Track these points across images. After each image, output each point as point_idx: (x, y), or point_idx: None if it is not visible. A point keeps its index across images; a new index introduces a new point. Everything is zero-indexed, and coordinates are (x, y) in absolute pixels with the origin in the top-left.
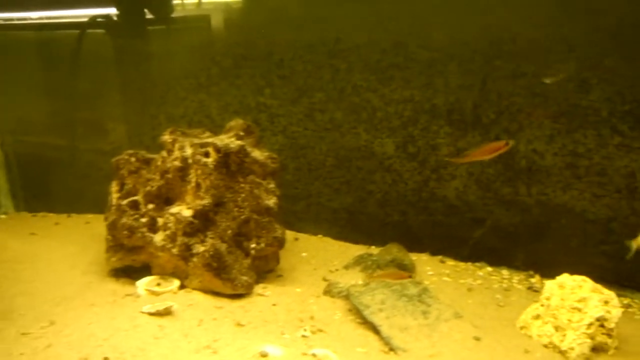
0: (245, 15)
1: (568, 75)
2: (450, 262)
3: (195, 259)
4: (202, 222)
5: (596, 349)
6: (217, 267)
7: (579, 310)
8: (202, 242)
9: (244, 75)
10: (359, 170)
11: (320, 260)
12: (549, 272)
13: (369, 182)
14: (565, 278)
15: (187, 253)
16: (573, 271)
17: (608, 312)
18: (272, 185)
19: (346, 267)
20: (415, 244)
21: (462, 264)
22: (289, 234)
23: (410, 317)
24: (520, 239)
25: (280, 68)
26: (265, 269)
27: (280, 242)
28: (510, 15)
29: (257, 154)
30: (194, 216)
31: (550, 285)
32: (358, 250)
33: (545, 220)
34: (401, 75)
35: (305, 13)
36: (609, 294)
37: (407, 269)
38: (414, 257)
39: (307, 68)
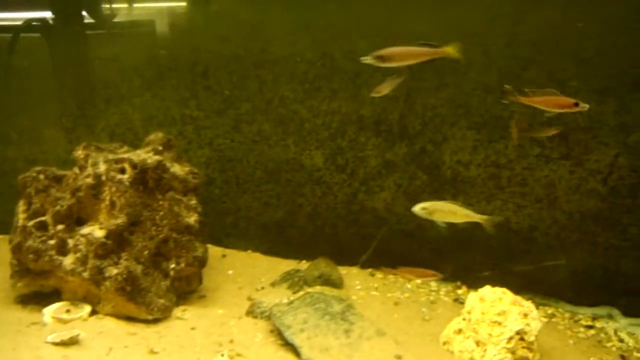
0: (170, 25)
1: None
2: (380, 275)
3: (107, 283)
4: (116, 242)
5: None
6: (131, 290)
7: (499, 323)
8: (116, 264)
9: (168, 86)
10: (288, 183)
11: (247, 278)
12: (476, 282)
13: (298, 195)
14: (486, 291)
15: (99, 277)
16: (499, 281)
17: (528, 325)
18: (193, 202)
19: (273, 285)
20: (346, 257)
21: (391, 277)
22: (217, 251)
23: (332, 337)
24: (447, 250)
25: (206, 79)
26: (187, 289)
27: (202, 262)
28: (432, 27)
29: (177, 169)
30: (107, 237)
31: (471, 298)
32: (288, 265)
33: (471, 230)
34: (328, 87)
35: (230, 23)
36: (529, 306)
37: (334, 285)
38: (344, 270)
39: (232, 79)
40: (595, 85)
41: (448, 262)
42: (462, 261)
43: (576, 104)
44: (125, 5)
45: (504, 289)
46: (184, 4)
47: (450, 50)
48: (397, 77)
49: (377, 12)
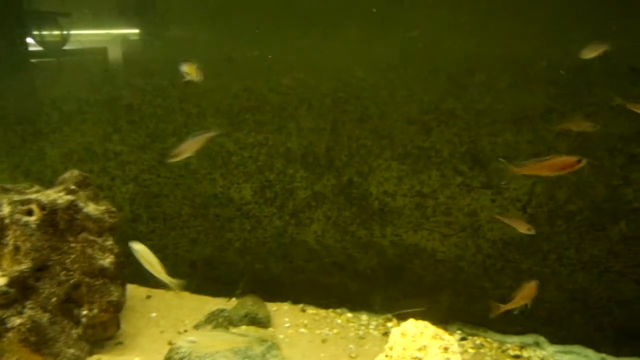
0: (90, 59)
1: None
2: (311, 310)
3: (10, 334)
4: (20, 290)
5: None
6: (37, 341)
7: (420, 359)
8: (20, 313)
9: (89, 120)
10: (216, 218)
11: (170, 320)
12: (406, 314)
13: (227, 230)
14: (408, 325)
15: (1, 328)
16: (427, 312)
17: (448, 359)
18: (109, 242)
19: (197, 327)
20: (277, 293)
21: (322, 312)
22: (142, 292)
23: None
24: (377, 281)
25: (129, 113)
26: (103, 336)
27: (118, 306)
28: (355, 60)
29: (92, 208)
30: (9, 284)
31: (394, 333)
32: (217, 304)
33: (399, 261)
34: (254, 119)
35: (153, 56)
36: (449, 340)
37: (261, 324)
38: (275, 307)
39: (157, 112)
40: (510, 116)
41: (378, 294)
42: (393, 293)
43: (579, 161)
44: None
45: (426, 323)
46: (106, 38)
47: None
48: (205, 133)
49: (301, 46)
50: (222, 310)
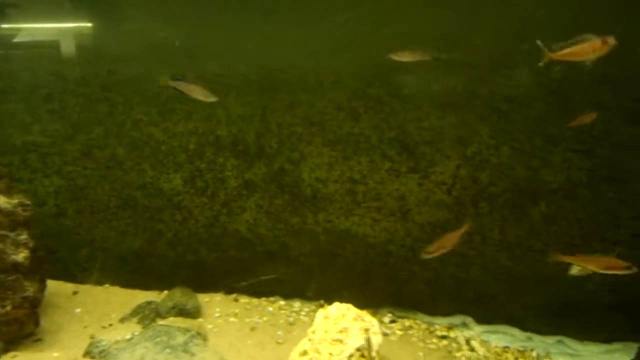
0: (6, 47)
1: None
2: (244, 300)
3: None
4: None
5: None
6: None
7: (341, 341)
8: None
9: (5, 111)
10: (146, 209)
11: (96, 315)
12: (339, 299)
13: (157, 221)
14: (332, 308)
15: None
16: (359, 296)
17: (368, 340)
18: (23, 237)
19: (122, 321)
20: (210, 284)
21: (255, 300)
22: (68, 288)
23: None
24: (310, 268)
25: (50, 102)
26: (20, 334)
27: (34, 302)
28: (282, 46)
29: (3, 201)
30: None
31: (318, 317)
32: (147, 297)
33: (332, 247)
34: (182, 108)
35: (74, 44)
36: (371, 321)
37: (190, 315)
38: (207, 298)
39: (80, 102)
40: (436, 100)
41: (312, 281)
42: (326, 279)
43: (604, 42)
44: None
45: (349, 305)
46: (24, 25)
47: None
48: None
49: (229, 32)
50: (150, 303)
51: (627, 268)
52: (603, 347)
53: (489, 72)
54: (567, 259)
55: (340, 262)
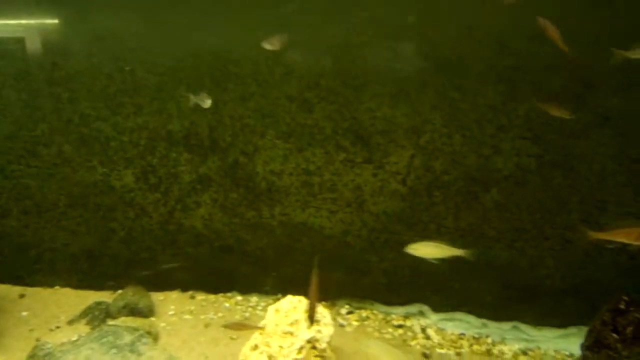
0: None
1: None
2: (201, 297)
3: None
4: None
5: None
6: None
7: (291, 334)
8: None
9: None
10: (97, 207)
11: (43, 318)
12: (297, 292)
13: (110, 219)
14: (284, 301)
15: None
16: (320, 290)
17: (319, 331)
18: None
19: (70, 323)
20: (166, 281)
21: (212, 297)
22: (14, 291)
23: None
24: (267, 262)
25: None
26: None
27: None
28: (233, 37)
29: None
30: None
31: (269, 310)
32: (100, 298)
33: (288, 240)
34: (132, 102)
35: (15, 37)
36: (322, 312)
37: (142, 314)
38: (162, 296)
39: (22, 97)
40: (388, 90)
41: (269, 275)
42: (283, 273)
43: None
44: None
45: (300, 298)
46: None
47: None
48: None
49: (178, 23)
50: (100, 304)
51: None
52: (558, 331)
53: (440, 61)
54: (599, 235)
55: (297, 255)
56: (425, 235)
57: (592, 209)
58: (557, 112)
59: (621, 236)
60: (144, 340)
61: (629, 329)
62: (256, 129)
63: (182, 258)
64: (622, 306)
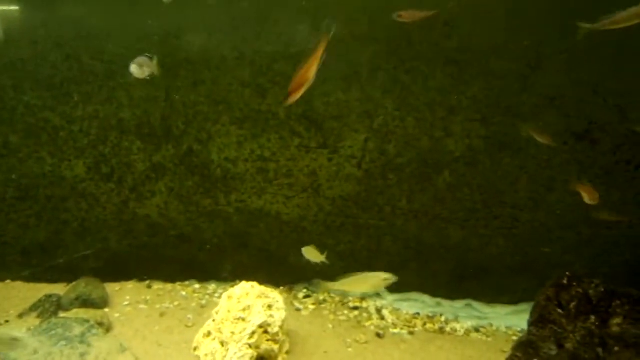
0: None
1: None
2: (158, 286)
3: None
4: None
5: (264, 358)
6: None
7: (243, 319)
8: None
9: None
10: (48, 199)
11: None
12: (255, 279)
13: (62, 211)
14: (237, 288)
15: None
16: (275, 274)
17: (271, 316)
18: None
19: (21, 316)
20: (122, 272)
21: (169, 286)
22: None
23: None
24: (225, 249)
25: None
26: None
27: None
28: (182, 21)
29: None
30: None
31: (223, 297)
32: (54, 290)
33: (245, 227)
34: (80, 90)
35: None
36: (275, 297)
37: (95, 305)
38: (118, 287)
39: None
40: (341, 75)
41: (227, 262)
42: (241, 259)
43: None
44: None
45: (254, 284)
46: None
47: None
48: None
49: (125, 8)
50: (51, 296)
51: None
52: (509, 308)
53: (391, 46)
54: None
55: (254, 241)
56: (380, 218)
57: (540, 187)
58: (542, 138)
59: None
60: (94, 331)
61: (573, 304)
62: (209, 116)
63: (139, 248)
64: (565, 281)
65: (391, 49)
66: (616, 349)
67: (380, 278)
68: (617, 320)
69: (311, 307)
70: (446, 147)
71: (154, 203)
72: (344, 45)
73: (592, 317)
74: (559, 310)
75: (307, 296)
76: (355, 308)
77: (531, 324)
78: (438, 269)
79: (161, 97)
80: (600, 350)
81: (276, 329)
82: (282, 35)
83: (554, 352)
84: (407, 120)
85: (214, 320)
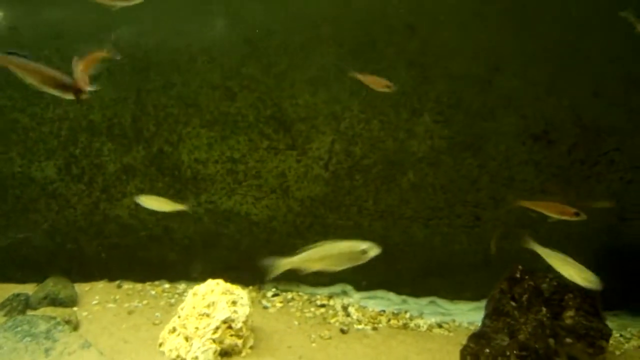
0: None
1: None
2: (128, 286)
3: None
4: None
5: (227, 352)
6: None
7: (207, 315)
8: None
9: None
10: (18, 199)
11: None
12: (224, 278)
13: (32, 211)
14: (202, 285)
15: None
16: (244, 273)
17: (235, 312)
18: None
19: None
20: (93, 272)
21: (139, 285)
22: None
23: (28, 358)
24: (195, 249)
25: None
26: None
27: None
28: (155, 25)
29: None
30: None
31: (188, 294)
32: (24, 290)
33: (215, 227)
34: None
35: None
36: (239, 294)
37: (63, 304)
38: (87, 286)
39: None
40: (308, 75)
41: (197, 262)
42: (211, 259)
43: (577, 214)
44: None
45: (219, 281)
46: None
47: None
48: None
49: (94, 9)
50: (18, 295)
51: (576, 214)
52: (472, 304)
53: (355, 49)
54: (526, 203)
55: (224, 242)
56: (347, 218)
57: (500, 186)
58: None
59: (542, 208)
60: (60, 328)
61: (525, 297)
62: (180, 118)
63: (110, 248)
64: (517, 275)
65: (356, 52)
66: (568, 340)
67: (357, 250)
68: (570, 313)
69: (279, 305)
70: (410, 148)
71: (125, 204)
72: (309, 49)
73: (544, 309)
74: (512, 303)
75: (275, 294)
76: (322, 306)
77: (486, 316)
78: (403, 267)
79: (131, 98)
80: (551, 341)
81: (240, 325)
82: (249, 35)
83: (505, 343)
84: (373, 123)
85: (179, 317)
